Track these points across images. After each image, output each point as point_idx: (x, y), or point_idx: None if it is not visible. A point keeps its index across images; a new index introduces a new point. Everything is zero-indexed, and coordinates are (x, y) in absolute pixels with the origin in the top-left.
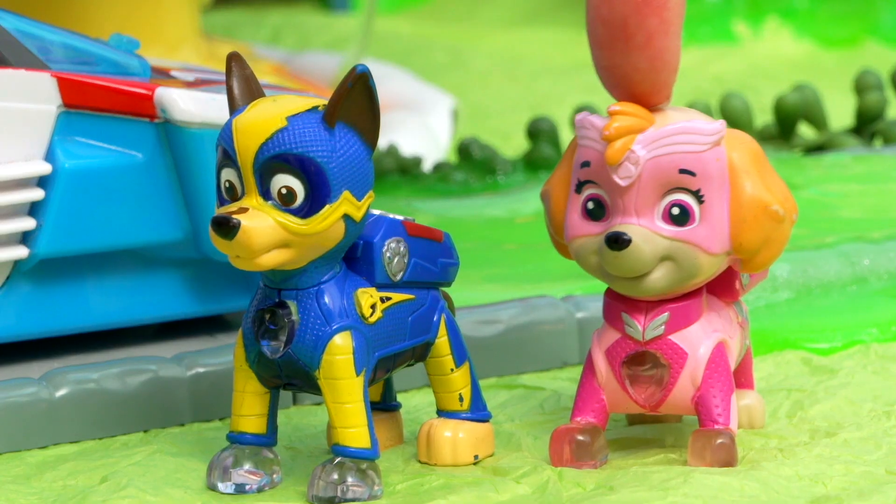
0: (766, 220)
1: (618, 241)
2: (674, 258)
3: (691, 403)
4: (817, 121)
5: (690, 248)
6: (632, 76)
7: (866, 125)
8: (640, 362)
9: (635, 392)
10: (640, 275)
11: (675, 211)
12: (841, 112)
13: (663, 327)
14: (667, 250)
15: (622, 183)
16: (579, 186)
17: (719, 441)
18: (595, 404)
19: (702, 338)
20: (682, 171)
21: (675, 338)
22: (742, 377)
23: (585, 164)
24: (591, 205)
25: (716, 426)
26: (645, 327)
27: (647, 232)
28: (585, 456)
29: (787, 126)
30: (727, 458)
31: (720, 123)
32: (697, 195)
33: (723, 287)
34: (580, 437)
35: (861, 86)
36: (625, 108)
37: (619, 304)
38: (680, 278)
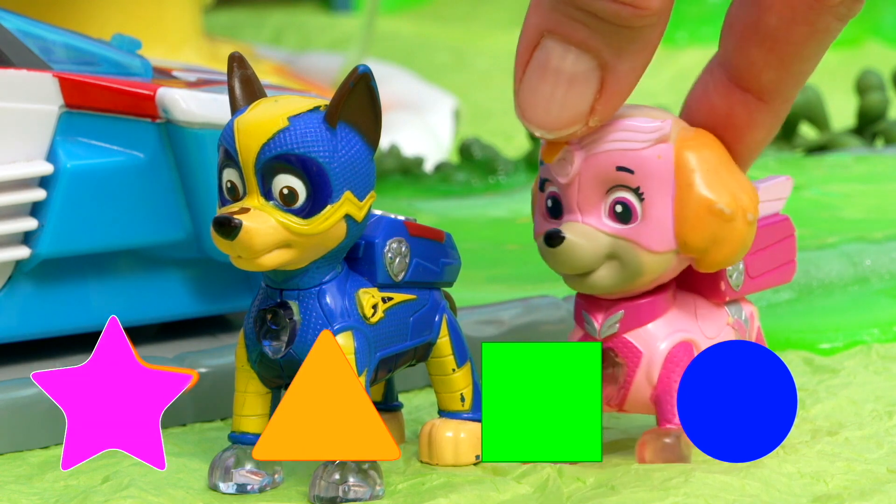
0: (710, 219)
1: (551, 238)
2: (617, 256)
3: (650, 402)
4: (819, 121)
5: (632, 247)
6: None
7: (868, 125)
8: None
9: None
10: (584, 272)
11: (619, 209)
12: (842, 112)
13: (618, 325)
14: (610, 248)
15: (561, 180)
16: (542, 184)
17: (665, 441)
18: None
19: (659, 337)
20: (620, 169)
21: (630, 336)
22: None
23: (542, 162)
24: (550, 203)
25: (668, 426)
26: (601, 325)
27: (588, 229)
28: None
29: (789, 126)
30: (670, 458)
31: (662, 121)
32: (637, 193)
33: (707, 287)
34: None
35: (863, 86)
36: None
37: (582, 303)
38: (625, 277)
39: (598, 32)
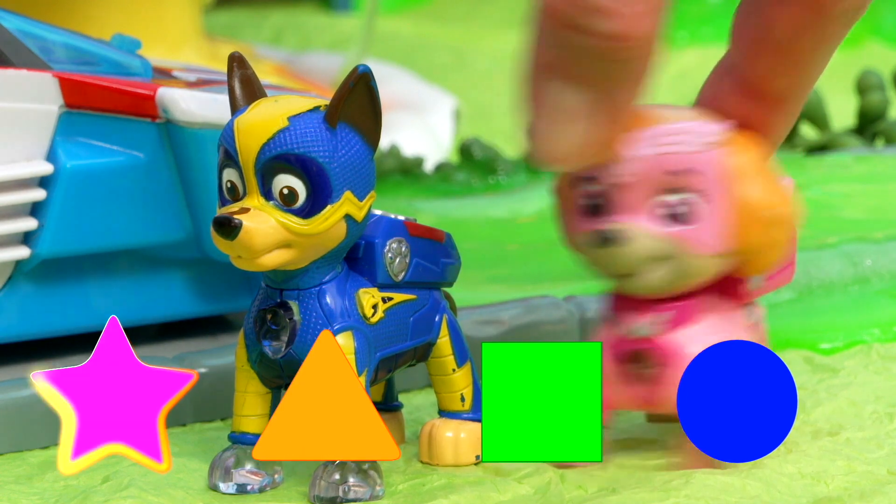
0: (762, 224)
1: (604, 240)
2: (667, 258)
3: None
4: (819, 121)
5: (685, 249)
6: None
7: (868, 125)
8: (635, 360)
9: (630, 390)
10: (631, 273)
11: (674, 211)
12: (843, 112)
13: (658, 326)
14: (660, 250)
15: (614, 180)
16: (581, 182)
17: None
18: None
19: (697, 339)
20: (677, 172)
21: (669, 337)
22: None
23: None
24: (590, 201)
25: None
26: (640, 326)
27: (638, 230)
28: None
29: None
30: (707, 462)
31: (720, 126)
32: (693, 195)
33: (731, 289)
34: None
35: (863, 86)
36: None
37: (618, 302)
38: (673, 278)
39: (590, 67)
